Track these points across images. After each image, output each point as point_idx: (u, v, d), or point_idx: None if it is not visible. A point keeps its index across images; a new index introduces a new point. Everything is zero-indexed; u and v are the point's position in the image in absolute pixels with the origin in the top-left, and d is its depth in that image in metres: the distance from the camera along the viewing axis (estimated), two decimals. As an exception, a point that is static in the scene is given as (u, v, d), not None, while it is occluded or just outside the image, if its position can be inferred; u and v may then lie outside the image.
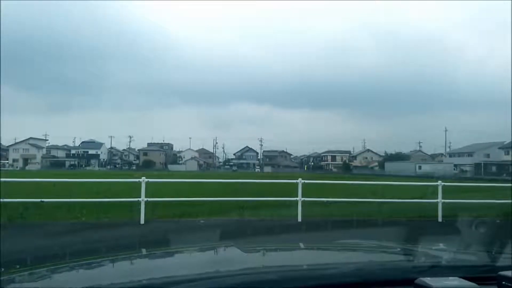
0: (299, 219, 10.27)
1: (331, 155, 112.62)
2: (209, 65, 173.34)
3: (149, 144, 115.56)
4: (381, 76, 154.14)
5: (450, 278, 1.32)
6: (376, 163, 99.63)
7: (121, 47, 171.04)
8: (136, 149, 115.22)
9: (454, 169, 74.62)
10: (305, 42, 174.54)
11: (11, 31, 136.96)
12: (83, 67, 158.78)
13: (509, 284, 1.29)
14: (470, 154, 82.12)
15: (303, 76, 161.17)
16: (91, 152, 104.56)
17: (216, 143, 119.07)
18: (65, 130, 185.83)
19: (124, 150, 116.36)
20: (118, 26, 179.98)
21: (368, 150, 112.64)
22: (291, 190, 11.22)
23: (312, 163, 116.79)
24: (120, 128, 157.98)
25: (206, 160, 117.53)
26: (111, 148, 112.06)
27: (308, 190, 11.38)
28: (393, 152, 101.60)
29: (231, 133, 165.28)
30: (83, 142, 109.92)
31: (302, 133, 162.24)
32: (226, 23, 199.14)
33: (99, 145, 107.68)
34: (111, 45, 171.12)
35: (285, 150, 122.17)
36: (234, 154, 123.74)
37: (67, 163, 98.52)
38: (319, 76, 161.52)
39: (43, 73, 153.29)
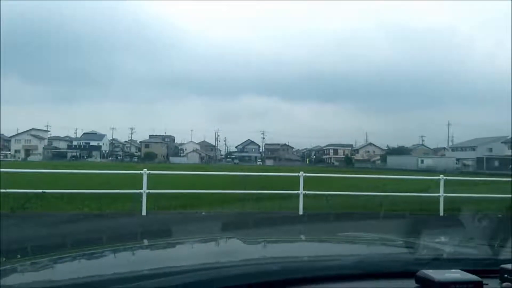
0: (301, 212, 10.29)
1: (333, 149, 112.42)
2: (216, 58, 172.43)
3: (150, 136, 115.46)
4: (385, 70, 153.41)
5: (452, 270, 1.31)
6: (378, 157, 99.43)
7: (129, 39, 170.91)
8: (137, 141, 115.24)
9: (456, 163, 74.55)
10: (313, 36, 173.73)
11: (16, 20, 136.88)
12: (88, 57, 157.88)
13: (511, 277, 1.28)
14: (472, 149, 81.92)
15: (308, 68, 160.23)
16: (92, 143, 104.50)
17: (218, 135, 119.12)
18: (67, 121, 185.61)
19: (125, 142, 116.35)
20: (126, 18, 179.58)
21: (370, 144, 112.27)
22: (293, 183, 11.21)
23: (314, 157, 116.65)
24: (123, 120, 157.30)
25: (208, 153, 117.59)
26: (113, 139, 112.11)
27: (309, 183, 11.37)
28: (395, 146, 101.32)
29: (234, 125, 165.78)
30: (84, 133, 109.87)
31: (305, 126, 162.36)
32: (235, 16, 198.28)
33: (101, 136, 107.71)
34: (118, 36, 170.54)
35: (287, 144, 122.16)
36: (236, 147, 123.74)
37: (69, 155, 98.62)
38: (324, 69, 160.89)
39: (46, 63, 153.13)
